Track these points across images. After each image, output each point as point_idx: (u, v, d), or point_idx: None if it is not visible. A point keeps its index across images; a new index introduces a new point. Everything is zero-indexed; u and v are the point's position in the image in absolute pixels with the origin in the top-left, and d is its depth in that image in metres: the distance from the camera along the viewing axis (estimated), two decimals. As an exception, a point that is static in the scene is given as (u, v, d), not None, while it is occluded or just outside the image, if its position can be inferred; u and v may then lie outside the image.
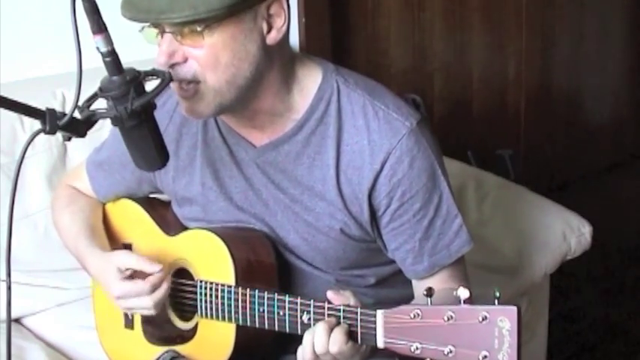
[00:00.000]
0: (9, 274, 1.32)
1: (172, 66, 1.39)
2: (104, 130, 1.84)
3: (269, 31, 1.41)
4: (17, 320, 2.06)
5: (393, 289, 1.63)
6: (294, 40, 2.66)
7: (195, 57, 1.39)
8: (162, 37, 1.39)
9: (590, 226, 2.33)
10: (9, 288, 1.31)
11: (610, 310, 3.03)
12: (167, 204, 1.74)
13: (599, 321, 2.98)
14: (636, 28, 3.89)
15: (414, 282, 1.59)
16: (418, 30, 3.13)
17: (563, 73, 3.64)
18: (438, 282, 1.52)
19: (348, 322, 1.35)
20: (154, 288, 1.52)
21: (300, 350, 1.39)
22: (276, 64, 1.45)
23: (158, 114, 1.40)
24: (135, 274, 1.55)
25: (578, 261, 2.38)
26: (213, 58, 1.38)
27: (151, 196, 1.79)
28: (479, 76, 3.34)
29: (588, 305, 3.05)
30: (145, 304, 1.53)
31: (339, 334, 1.34)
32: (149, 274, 1.53)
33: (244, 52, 1.40)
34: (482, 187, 2.45)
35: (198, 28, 1.35)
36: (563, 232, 2.30)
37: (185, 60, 1.39)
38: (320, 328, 1.35)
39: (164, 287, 1.53)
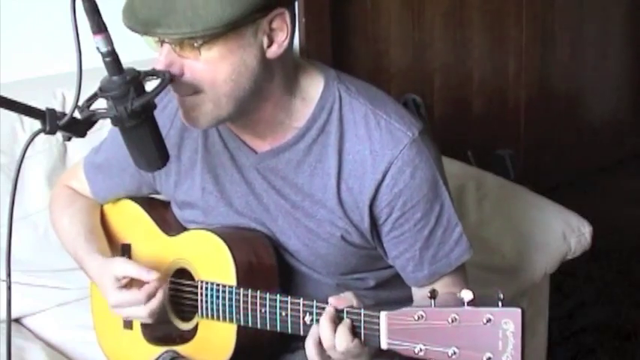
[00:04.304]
0: (9, 274, 1.32)
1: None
2: (104, 130, 1.83)
3: (270, 45, 1.39)
4: (17, 320, 2.06)
5: (393, 290, 1.63)
6: (295, 40, 2.65)
7: (193, 70, 1.37)
8: (161, 45, 1.38)
9: (590, 226, 2.33)
10: (9, 288, 1.31)
11: (610, 310, 3.03)
12: (167, 204, 1.74)
13: (599, 321, 2.98)
14: (636, 28, 3.90)
15: (413, 289, 1.58)
16: (418, 30, 3.13)
17: (563, 73, 3.64)
18: (439, 289, 1.51)
19: (352, 323, 1.35)
20: (150, 297, 1.52)
21: (307, 351, 1.38)
22: (278, 75, 1.44)
23: (159, 118, 1.39)
24: (132, 282, 1.55)
25: (578, 261, 2.38)
26: (211, 72, 1.37)
27: (151, 196, 1.78)
28: (479, 76, 3.34)
29: (588, 305, 3.05)
30: (140, 314, 1.54)
31: (343, 332, 1.33)
32: (146, 282, 1.53)
33: (243, 67, 1.38)
34: (483, 187, 2.45)
35: (195, 44, 1.34)
36: (563, 232, 2.29)
37: (183, 72, 1.37)
38: (324, 324, 1.34)
39: (159, 296, 1.53)
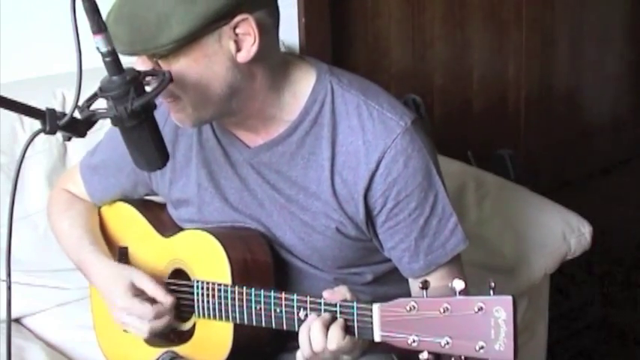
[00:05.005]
0: (9, 274, 1.31)
1: None
2: (104, 130, 1.84)
3: (239, 50, 1.40)
4: (17, 320, 2.06)
5: (391, 286, 1.63)
6: (294, 40, 2.66)
7: None
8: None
9: (590, 226, 2.33)
10: (9, 288, 1.31)
11: (610, 310, 3.03)
12: (162, 205, 1.74)
13: (599, 321, 2.98)
14: (636, 28, 3.90)
15: (410, 280, 1.59)
16: (418, 30, 3.13)
17: (563, 73, 3.64)
18: (435, 280, 1.52)
19: (345, 317, 1.36)
20: (157, 317, 1.54)
21: (298, 353, 1.39)
22: (260, 75, 1.45)
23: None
24: (141, 294, 1.56)
25: (578, 261, 2.38)
26: (180, 80, 1.39)
27: (146, 198, 1.79)
28: (479, 76, 3.34)
29: (588, 305, 3.05)
30: (142, 328, 1.55)
31: (336, 331, 1.34)
32: (157, 301, 1.54)
33: (211, 74, 1.40)
34: (482, 187, 2.45)
35: (155, 59, 1.38)
36: (563, 232, 2.29)
37: None
38: (315, 328, 1.35)
39: (164, 320, 1.55)
